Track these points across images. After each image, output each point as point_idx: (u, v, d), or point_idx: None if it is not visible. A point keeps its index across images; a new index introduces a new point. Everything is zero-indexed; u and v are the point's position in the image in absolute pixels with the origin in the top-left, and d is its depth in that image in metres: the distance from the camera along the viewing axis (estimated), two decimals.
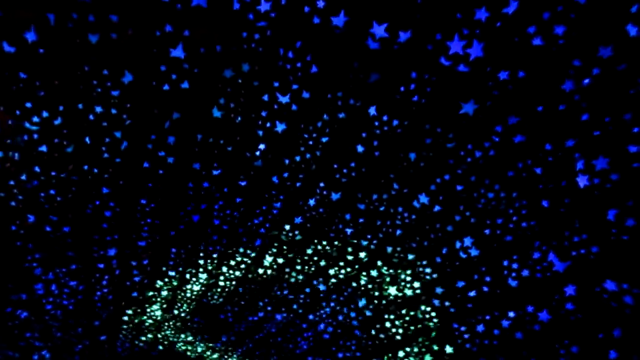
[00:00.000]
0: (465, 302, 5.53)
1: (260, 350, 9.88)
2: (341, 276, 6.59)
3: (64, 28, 2.94)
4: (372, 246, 5.69)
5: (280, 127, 4.10)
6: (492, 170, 4.35)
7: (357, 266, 6.36)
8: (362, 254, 5.98)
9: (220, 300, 7.90)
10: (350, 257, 6.07)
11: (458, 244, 5.26)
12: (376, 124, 4.12)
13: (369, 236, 5.68)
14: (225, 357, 10.66)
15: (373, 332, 7.21)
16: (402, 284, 6.21)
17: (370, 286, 6.65)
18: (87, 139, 3.83)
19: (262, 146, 4.23)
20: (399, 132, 4.15)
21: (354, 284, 6.70)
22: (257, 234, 5.84)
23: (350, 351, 7.82)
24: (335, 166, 4.51)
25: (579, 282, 4.45)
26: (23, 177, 3.87)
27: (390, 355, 7.13)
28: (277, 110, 3.94)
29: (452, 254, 5.43)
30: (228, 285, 7.29)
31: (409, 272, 6.10)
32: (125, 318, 8.34)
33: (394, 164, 4.38)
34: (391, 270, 6.14)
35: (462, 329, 5.69)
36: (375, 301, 6.78)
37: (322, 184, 4.81)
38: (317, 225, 5.58)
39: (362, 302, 7.05)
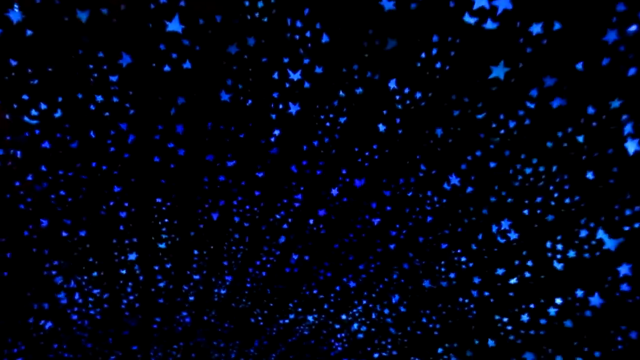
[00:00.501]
0: (507, 290, 5.09)
1: (294, 354, 9.55)
2: (372, 271, 6.22)
3: (51, 5, 2.70)
4: (401, 236, 5.31)
5: (294, 109, 3.80)
6: (528, 142, 3.95)
7: (387, 259, 5.98)
8: (392, 246, 5.60)
9: (249, 303, 7.61)
10: (379, 250, 5.70)
11: (495, 228, 4.84)
12: (397, 98, 3.77)
13: (397, 225, 5.31)
14: None
15: (409, 329, 6.80)
16: (437, 275, 5.81)
17: (402, 280, 6.26)
18: (91, 133, 3.60)
19: (276, 132, 3.93)
20: (423, 105, 3.78)
21: (386, 279, 6.32)
22: (280, 230, 5.53)
23: (386, 350, 7.42)
24: (357, 149, 4.18)
25: (634, 260, 3.99)
26: (29, 178, 3.67)
27: (428, 352, 6.71)
28: (289, 89, 3.63)
29: (488, 239, 5.01)
30: (255, 287, 6.99)
31: (443, 262, 5.70)
32: (155, 326, 8.12)
33: (419, 142, 4.02)
34: (424, 262, 5.75)
35: (505, 320, 5.26)
36: (409, 296, 6.38)
37: (344, 171, 4.47)
38: (342, 217, 5.24)
39: (395, 298, 6.67)
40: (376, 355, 7.73)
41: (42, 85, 3.10)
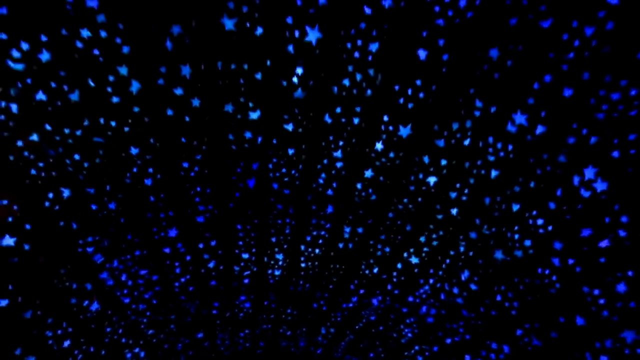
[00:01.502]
0: (596, 256, 4.14)
1: (363, 342, 8.89)
2: (434, 243, 5.43)
3: None
4: (463, 197, 4.51)
5: (313, 36, 3.16)
6: (612, 57, 3.04)
7: (450, 228, 5.17)
8: (454, 210, 4.80)
9: (307, 285, 7.05)
10: (439, 217, 4.91)
11: (576, 180, 3.93)
12: (437, 9, 3.02)
13: (457, 185, 4.51)
14: (330, 352, 9.80)
15: (482, 309, 5.93)
16: (510, 244, 4.93)
17: (471, 253, 5.42)
18: (89, 81, 3.17)
19: (299, 70, 3.31)
20: (470, 17, 3.01)
21: (452, 252, 5.51)
22: (326, 198, 4.90)
23: (459, 334, 6.57)
24: (397, 88, 3.46)
25: None
26: (34, 138, 3.32)
27: (505, 335, 5.80)
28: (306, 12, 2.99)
29: (570, 194, 4.09)
30: (311, 267, 6.41)
31: (515, 227, 4.81)
32: (215, 312, 7.77)
33: (471, 69, 3.23)
34: (493, 228, 4.89)
35: (596, 292, 4.30)
36: (480, 271, 5.52)
37: (385, 117, 3.77)
38: (392, 177, 4.52)
39: (465, 274, 5.82)
40: (448, 340, 6.89)
41: (18, 19, 2.71)
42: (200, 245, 5.50)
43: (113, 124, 3.50)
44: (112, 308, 5.89)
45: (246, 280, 6.78)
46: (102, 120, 3.46)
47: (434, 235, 5.23)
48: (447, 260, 5.68)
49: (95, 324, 5.70)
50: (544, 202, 4.27)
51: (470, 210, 4.78)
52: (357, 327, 8.45)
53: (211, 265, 6.01)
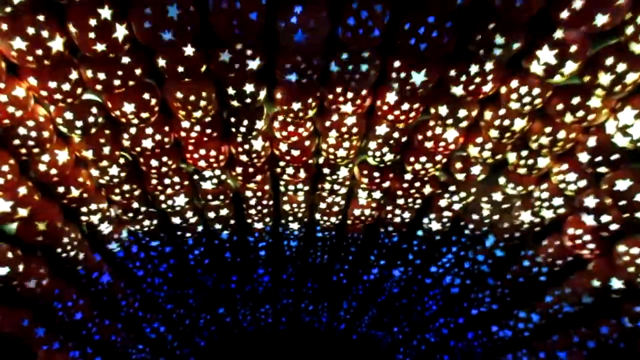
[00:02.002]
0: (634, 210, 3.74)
1: (386, 316, 8.63)
2: (456, 207, 5.09)
3: None
4: (485, 152, 4.14)
5: None
6: None
7: (473, 189, 4.82)
8: (476, 169, 4.44)
9: (326, 257, 6.79)
10: (460, 176, 4.56)
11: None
12: None
13: (478, 139, 4.14)
14: (354, 327, 9.58)
15: (509, 276, 5.57)
16: (537, 203, 4.55)
17: (495, 216, 5.06)
18: None
19: (297, 9, 2.99)
20: None
21: (475, 216, 5.16)
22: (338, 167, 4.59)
23: (485, 304, 6.23)
24: (407, 26, 3.10)
25: None
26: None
27: (535, 302, 5.44)
28: None
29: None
30: (327, 236, 6.14)
31: (544, 186, 4.43)
32: (234, 286, 7.61)
33: None
34: (519, 188, 4.52)
35: (636, 250, 3.91)
36: (506, 235, 5.16)
37: (396, 63, 3.42)
38: (406, 132, 4.18)
39: (489, 240, 5.46)
40: (474, 311, 6.56)
41: None
42: (210, 215, 5.27)
43: None
44: (125, 280, 5.74)
45: (262, 252, 6.55)
46: None
47: (454, 198, 4.87)
48: (470, 225, 5.33)
49: (108, 296, 5.56)
50: (573, 156, 3.88)
51: (494, 167, 4.41)
52: (379, 300, 8.18)
53: (224, 236, 5.79)
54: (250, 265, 6.98)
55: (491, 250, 5.46)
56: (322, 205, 5.41)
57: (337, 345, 10.39)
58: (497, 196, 4.74)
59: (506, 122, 3.73)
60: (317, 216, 5.64)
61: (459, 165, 4.42)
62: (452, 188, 4.81)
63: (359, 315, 8.93)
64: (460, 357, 7.45)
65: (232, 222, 5.51)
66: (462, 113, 3.74)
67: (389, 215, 5.40)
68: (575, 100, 3.39)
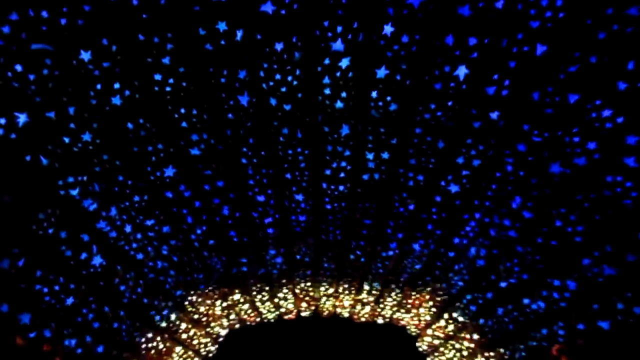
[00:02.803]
0: None
1: (411, 296, 8.05)
2: (475, 162, 4.48)
3: None
4: (503, 91, 3.54)
5: None
6: None
7: (492, 140, 4.21)
8: (494, 114, 3.84)
9: (338, 233, 6.26)
10: (477, 124, 3.96)
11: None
12: None
13: (495, 76, 3.55)
14: (378, 310, 9.04)
15: (540, 240, 4.93)
16: (568, 150, 3.92)
17: (521, 172, 4.44)
18: None
19: None
20: None
21: (498, 174, 4.55)
22: (337, 114, 4.06)
23: (515, 275, 5.60)
24: None
25: None
26: None
27: (570, 268, 4.79)
28: None
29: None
30: (337, 209, 5.61)
31: (575, 128, 3.79)
32: (245, 269, 7.15)
33: None
34: (546, 134, 3.89)
35: None
36: (535, 193, 4.53)
37: None
38: (412, 73, 3.61)
39: (516, 201, 4.84)
40: (503, 284, 5.93)
41: None
42: (206, 187, 4.80)
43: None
44: (122, 263, 5.33)
45: (270, 230, 6.07)
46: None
47: (472, 152, 4.28)
48: (493, 186, 4.72)
49: (103, 280, 5.16)
50: (608, 91, 3.25)
51: (515, 111, 3.80)
52: (402, 278, 7.61)
53: (225, 212, 5.32)
54: (260, 245, 6.50)
55: (519, 212, 4.83)
56: (328, 172, 4.88)
57: (361, 331, 9.88)
58: (522, 146, 4.11)
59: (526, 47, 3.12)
60: (324, 185, 5.12)
61: (474, 111, 3.81)
62: (469, 140, 4.21)
63: (382, 296, 8.37)
64: (491, 336, 6.83)
65: (231, 195, 5.04)
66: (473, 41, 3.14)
67: (402, 179, 4.84)
68: None
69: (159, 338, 6.85)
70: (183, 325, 7.47)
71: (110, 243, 4.95)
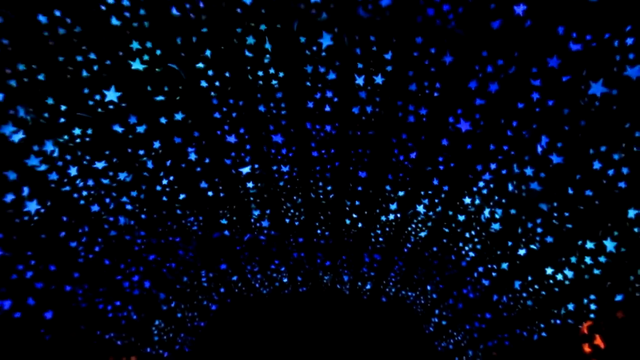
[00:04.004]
0: None
1: (416, 270, 7.12)
2: (493, 88, 3.50)
3: None
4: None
5: None
6: None
7: (516, 53, 3.22)
8: (519, 11, 2.85)
9: (329, 190, 5.33)
10: (498, 25, 2.98)
11: None
12: None
13: None
14: (381, 287, 8.13)
15: (570, 191, 3.93)
16: (620, 56, 2.92)
17: (550, 101, 3.44)
18: None
19: None
20: None
21: (521, 104, 3.57)
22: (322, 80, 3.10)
23: (538, 238, 4.61)
24: None
25: None
26: None
27: (609, 223, 3.78)
28: None
29: None
30: (325, 158, 4.67)
31: (630, 40, 2.79)
32: (228, 233, 6.29)
33: None
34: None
35: None
36: (567, 127, 3.54)
37: None
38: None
39: (541, 143, 3.85)
40: (522, 251, 4.94)
41: None
42: (163, 120, 3.90)
43: None
44: (70, 215, 4.48)
45: (250, 184, 5.17)
46: None
47: (488, 69, 3.29)
48: (514, 122, 3.74)
49: (45, 233, 4.31)
50: None
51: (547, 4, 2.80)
52: (405, 250, 6.67)
53: (192, 156, 4.43)
54: (240, 203, 5.61)
55: (544, 157, 3.84)
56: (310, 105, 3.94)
57: (364, 310, 8.96)
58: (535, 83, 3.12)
59: None
60: (309, 125, 4.19)
61: None
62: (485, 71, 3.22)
63: (385, 272, 7.44)
64: (506, 314, 5.86)
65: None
66: None
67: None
68: None
69: (130, 307, 6.02)
70: (162, 296, 6.63)
71: (50, 187, 4.09)
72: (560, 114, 3.44)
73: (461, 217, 5.32)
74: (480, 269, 5.90)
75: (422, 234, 6.00)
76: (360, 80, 3.56)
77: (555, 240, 4.35)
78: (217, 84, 3.57)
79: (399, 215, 5.65)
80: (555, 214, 4.14)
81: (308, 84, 3.64)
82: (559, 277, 4.53)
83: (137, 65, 3.23)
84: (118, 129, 3.86)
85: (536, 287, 4.94)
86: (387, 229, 6.08)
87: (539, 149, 3.84)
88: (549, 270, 4.65)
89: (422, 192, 5.08)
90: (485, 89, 3.46)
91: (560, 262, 4.43)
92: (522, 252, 4.92)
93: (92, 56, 3.08)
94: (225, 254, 6.90)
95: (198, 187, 4.95)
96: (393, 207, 5.48)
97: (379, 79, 3.53)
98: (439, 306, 7.58)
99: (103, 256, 5.10)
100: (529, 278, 5.01)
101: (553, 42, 2.98)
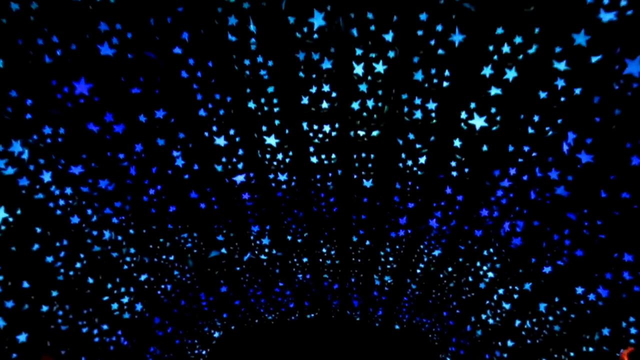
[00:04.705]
0: None
1: (430, 293, 6.54)
2: (511, 76, 3.05)
3: None
4: None
5: None
6: None
7: (537, 28, 2.77)
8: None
9: (332, 202, 4.86)
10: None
11: None
12: None
13: None
14: (394, 312, 7.54)
15: (603, 194, 3.40)
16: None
17: (577, 89, 2.97)
18: None
19: None
20: None
21: (543, 93, 3.10)
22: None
23: (565, 253, 4.05)
24: None
25: None
26: None
27: None
28: None
29: None
30: (326, 164, 4.23)
31: None
32: (225, 251, 5.83)
33: None
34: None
35: None
36: (599, 119, 3.05)
37: None
38: None
39: (568, 141, 3.35)
40: (548, 269, 4.37)
41: None
42: (142, 119, 3.51)
43: None
44: (43, 226, 4.06)
45: (246, 195, 4.72)
46: None
47: (505, 49, 2.83)
48: (535, 117, 3.26)
49: (13, 245, 3.90)
50: None
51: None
52: (418, 272, 6.11)
53: (179, 162, 4.01)
54: (238, 218, 5.15)
55: (571, 157, 3.33)
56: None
57: (377, 338, 8.34)
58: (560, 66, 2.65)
59: None
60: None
61: None
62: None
63: (396, 295, 6.87)
64: (530, 341, 5.23)
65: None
66: None
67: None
68: None
69: (119, 332, 5.54)
70: (156, 320, 6.14)
71: (20, 194, 3.69)
72: (590, 103, 2.95)
73: (478, 232, 4.78)
74: (501, 291, 5.33)
75: (436, 252, 5.45)
76: (359, 69, 3.13)
77: (587, 254, 3.78)
78: (199, 74, 3.18)
79: (409, 231, 5.13)
80: (586, 223, 3.59)
81: (301, 74, 3.22)
82: (592, 297, 3.95)
83: (106, 50, 2.85)
84: (93, 127, 3.47)
85: (564, 309, 4.34)
86: (398, 247, 5.56)
87: (565, 148, 3.34)
88: (579, 290, 4.06)
89: (434, 204, 4.57)
90: (501, 75, 3.00)
91: (592, 279, 3.84)
92: (547, 269, 4.35)
93: (55, 39, 2.71)
94: (225, 275, 6.42)
95: (188, 197, 4.52)
96: (403, 221, 4.96)
97: (380, 67, 3.10)
98: (456, 333, 6.95)
99: (86, 274, 4.66)
100: (556, 299, 4.41)
101: (580, 13, 2.53)
